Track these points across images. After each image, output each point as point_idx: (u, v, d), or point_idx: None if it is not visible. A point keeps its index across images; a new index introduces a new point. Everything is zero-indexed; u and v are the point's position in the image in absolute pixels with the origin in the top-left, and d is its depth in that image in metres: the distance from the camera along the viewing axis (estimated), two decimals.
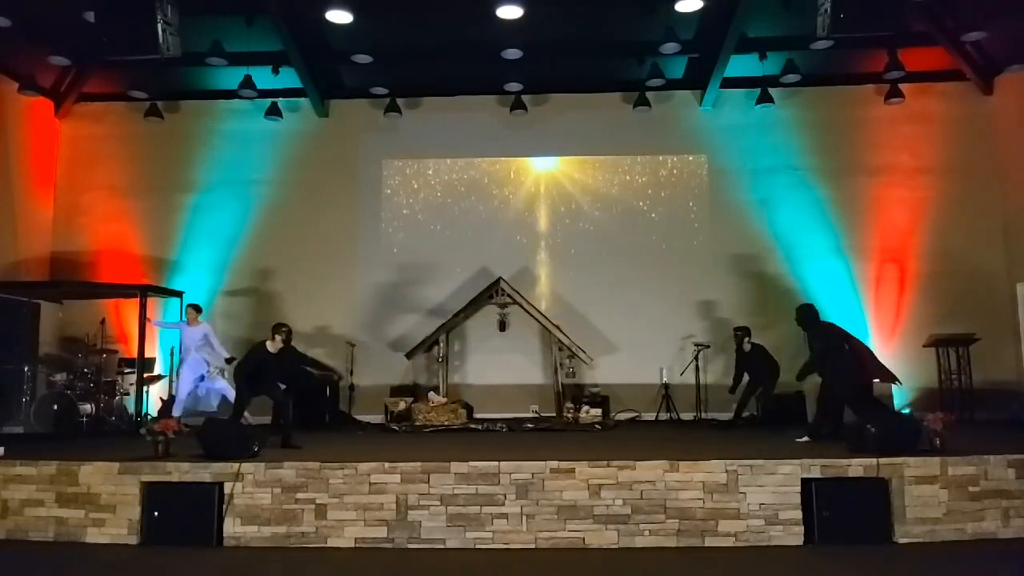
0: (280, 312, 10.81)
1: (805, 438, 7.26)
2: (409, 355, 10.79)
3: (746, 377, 9.60)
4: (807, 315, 7.84)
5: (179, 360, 9.63)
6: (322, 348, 10.95)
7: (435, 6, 10.00)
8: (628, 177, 11.66)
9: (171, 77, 11.05)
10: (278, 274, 11.42)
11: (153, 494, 5.96)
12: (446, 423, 9.56)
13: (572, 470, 5.85)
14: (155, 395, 10.41)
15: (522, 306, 10.33)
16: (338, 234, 11.59)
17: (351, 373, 10.65)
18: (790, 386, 10.33)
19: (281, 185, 11.72)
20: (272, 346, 7.48)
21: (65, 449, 6.91)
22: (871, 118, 11.36)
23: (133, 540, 5.89)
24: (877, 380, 8.16)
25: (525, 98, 11.32)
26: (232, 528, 5.85)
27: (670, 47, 10.18)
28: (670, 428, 9.63)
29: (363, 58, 10.72)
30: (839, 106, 11.40)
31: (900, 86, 10.81)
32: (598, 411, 9.75)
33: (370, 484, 5.86)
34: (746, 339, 9.64)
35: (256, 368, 7.49)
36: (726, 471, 5.80)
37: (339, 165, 11.75)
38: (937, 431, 6.24)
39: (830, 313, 11.02)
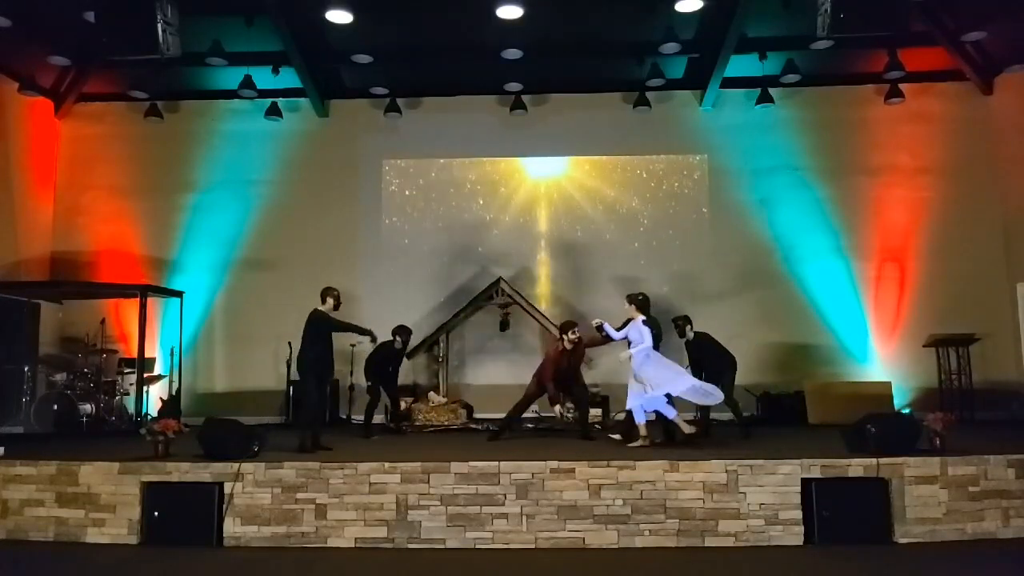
0: (280, 311, 10.77)
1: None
2: (409, 355, 10.76)
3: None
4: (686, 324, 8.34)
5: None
6: None
7: (435, 6, 9.99)
8: (628, 177, 11.65)
9: (171, 77, 11.02)
10: (278, 274, 11.39)
11: (153, 494, 5.96)
12: (446, 423, 9.56)
13: (572, 470, 5.85)
14: (155, 395, 10.40)
15: (522, 306, 10.33)
16: (338, 234, 11.58)
17: (351, 374, 10.64)
18: (789, 385, 10.41)
19: (281, 185, 11.70)
20: (325, 308, 7.44)
21: (65, 449, 6.90)
22: (871, 118, 11.35)
23: (133, 540, 5.90)
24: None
25: (525, 98, 11.30)
26: (232, 528, 5.85)
27: (670, 47, 10.18)
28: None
29: (363, 58, 10.71)
30: (839, 106, 11.38)
31: (900, 86, 10.79)
32: (598, 411, 9.74)
33: (370, 484, 5.86)
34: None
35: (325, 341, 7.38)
36: (726, 471, 5.80)
37: (339, 165, 11.73)
38: (937, 431, 6.24)
39: (831, 313, 11.09)
